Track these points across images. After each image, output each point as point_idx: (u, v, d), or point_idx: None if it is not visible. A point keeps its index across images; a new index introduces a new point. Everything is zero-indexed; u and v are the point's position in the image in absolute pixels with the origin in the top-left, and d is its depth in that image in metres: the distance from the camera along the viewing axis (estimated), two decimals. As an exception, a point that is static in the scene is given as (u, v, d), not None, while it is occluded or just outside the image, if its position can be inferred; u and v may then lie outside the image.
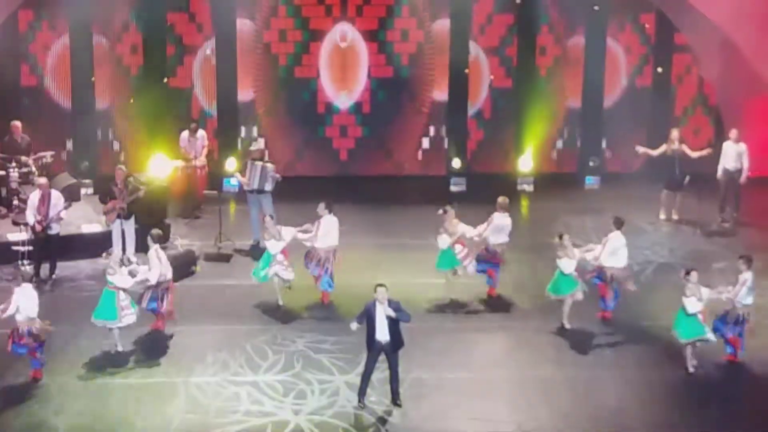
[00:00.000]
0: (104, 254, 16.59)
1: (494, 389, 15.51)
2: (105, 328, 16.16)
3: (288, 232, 18.07)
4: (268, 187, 20.80)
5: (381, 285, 14.70)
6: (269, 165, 20.92)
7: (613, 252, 17.29)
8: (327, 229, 18.11)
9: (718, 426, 14.63)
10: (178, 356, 16.23)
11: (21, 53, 25.29)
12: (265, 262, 18.01)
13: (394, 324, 14.59)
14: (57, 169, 22.83)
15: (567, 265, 17.13)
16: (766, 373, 16.05)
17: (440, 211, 18.43)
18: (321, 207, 18.15)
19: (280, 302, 18.13)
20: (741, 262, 15.99)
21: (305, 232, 18.23)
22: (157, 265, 16.54)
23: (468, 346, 16.78)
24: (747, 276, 15.84)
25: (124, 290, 16.15)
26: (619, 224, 17.39)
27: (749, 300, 15.91)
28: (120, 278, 16.13)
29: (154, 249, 16.63)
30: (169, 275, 16.87)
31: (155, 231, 17.09)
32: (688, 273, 15.85)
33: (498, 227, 18.30)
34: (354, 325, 14.91)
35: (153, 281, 16.53)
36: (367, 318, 14.68)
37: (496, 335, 17.27)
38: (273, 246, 17.92)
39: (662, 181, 22.81)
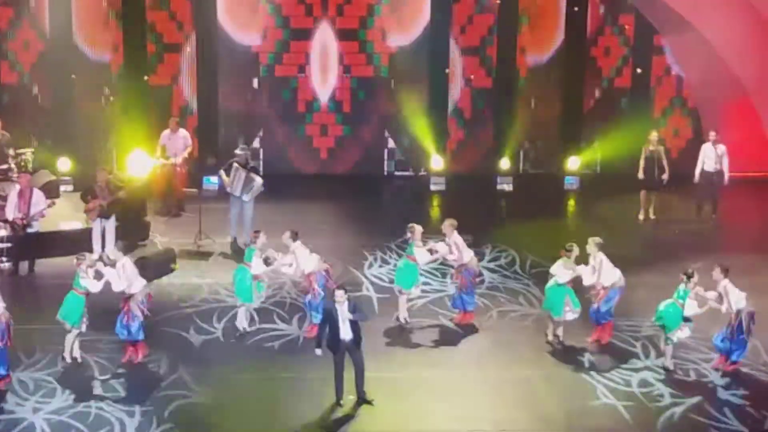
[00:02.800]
0: (76, 258, 15.89)
1: (473, 389, 15.56)
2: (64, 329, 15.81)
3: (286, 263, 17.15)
4: (246, 198, 20.72)
5: (339, 288, 15.05)
6: (258, 181, 20.82)
7: (609, 270, 16.75)
8: (305, 256, 16.98)
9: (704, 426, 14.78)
10: (158, 354, 16.20)
11: (1, 51, 25.22)
12: (247, 283, 17.00)
13: (354, 322, 14.81)
14: (36, 166, 22.76)
15: (563, 274, 16.64)
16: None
17: (408, 234, 17.56)
18: (286, 237, 16.98)
19: (248, 328, 17.26)
20: (718, 270, 15.91)
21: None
22: (126, 277, 15.81)
23: (447, 345, 16.82)
24: (726, 283, 15.88)
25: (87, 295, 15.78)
26: (601, 246, 16.76)
27: (743, 303, 15.94)
28: (91, 283, 15.71)
29: (122, 263, 15.91)
30: (132, 290, 15.96)
31: (122, 243, 16.74)
32: (689, 276, 15.93)
33: (465, 245, 17.66)
34: (319, 351, 15.00)
35: (115, 289, 15.85)
36: (330, 320, 14.82)
37: (474, 335, 17.30)
38: (257, 266, 17.03)
39: (640, 182, 22.87)
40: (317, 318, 16.41)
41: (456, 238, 17.46)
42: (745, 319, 15.85)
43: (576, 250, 16.66)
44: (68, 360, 15.82)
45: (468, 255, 17.51)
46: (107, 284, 15.83)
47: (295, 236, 16.94)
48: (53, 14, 24.59)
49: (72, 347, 15.88)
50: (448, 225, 17.52)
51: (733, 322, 15.86)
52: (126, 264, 15.95)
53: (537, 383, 15.73)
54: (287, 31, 25.64)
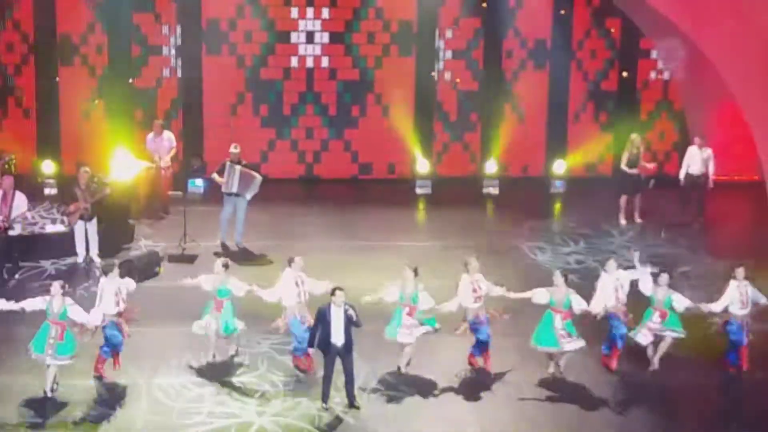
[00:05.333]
0: (58, 284, 15.19)
1: (459, 392, 15.52)
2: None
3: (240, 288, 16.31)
4: (249, 195, 20.70)
5: (339, 288, 14.84)
6: (258, 178, 20.83)
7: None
8: (288, 288, 16.02)
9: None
10: (141, 357, 16.10)
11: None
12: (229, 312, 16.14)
13: (348, 326, 14.69)
14: (21, 169, 22.69)
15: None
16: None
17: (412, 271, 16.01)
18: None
19: (217, 356, 16.31)
20: (741, 270, 15.96)
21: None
22: (107, 301, 15.35)
23: (433, 348, 16.71)
24: (747, 284, 15.95)
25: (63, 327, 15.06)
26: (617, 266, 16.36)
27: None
28: (75, 311, 15.07)
29: (117, 284, 15.47)
30: (112, 311, 15.45)
31: (106, 263, 16.13)
32: (659, 273, 16.06)
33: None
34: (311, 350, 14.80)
35: (91, 326, 15.24)
36: (322, 321, 14.73)
37: (461, 339, 17.20)
38: (238, 288, 16.23)
39: (622, 186, 22.86)
40: (299, 350, 15.94)
41: (479, 276, 16.20)
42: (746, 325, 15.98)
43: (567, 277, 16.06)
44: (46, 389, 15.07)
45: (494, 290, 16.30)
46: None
47: (290, 262, 16.09)
48: (38, 16, 24.49)
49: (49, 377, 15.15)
50: (473, 263, 16.25)
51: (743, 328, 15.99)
52: (121, 286, 15.57)
53: (522, 387, 15.70)
54: (272, 33, 25.57)
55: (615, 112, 26.34)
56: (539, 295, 16.01)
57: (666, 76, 26.13)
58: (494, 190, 25.25)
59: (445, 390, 15.57)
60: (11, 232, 19.07)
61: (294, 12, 25.55)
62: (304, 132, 26.14)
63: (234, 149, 21.20)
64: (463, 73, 26.12)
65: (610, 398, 15.44)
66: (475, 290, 16.04)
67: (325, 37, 25.74)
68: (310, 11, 25.57)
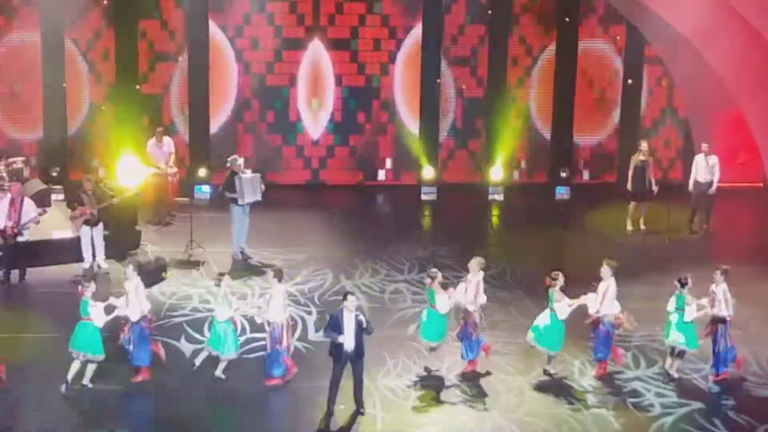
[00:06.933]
0: (80, 287, 15.31)
1: (462, 397, 15.57)
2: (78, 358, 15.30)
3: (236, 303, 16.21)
4: (260, 195, 20.74)
5: (350, 293, 14.84)
6: (258, 175, 20.84)
7: (611, 298, 16.14)
8: (278, 304, 15.59)
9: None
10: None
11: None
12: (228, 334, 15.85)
13: (359, 332, 14.70)
14: (28, 174, 22.76)
15: (561, 310, 15.98)
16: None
17: (427, 280, 16.28)
18: (270, 276, 15.86)
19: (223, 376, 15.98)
20: (719, 273, 15.97)
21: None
22: (135, 300, 15.34)
23: (437, 354, 16.75)
24: (725, 287, 15.90)
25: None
26: (615, 270, 16.20)
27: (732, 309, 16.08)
28: (96, 314, 15.15)
29: (135, 283, 15.42)
30: (146, 310, 15.62)
31: (136, 260, 16.28)
32: (683, 283, 15.99)
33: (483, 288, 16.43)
34: (341, 338, 14.69)
35: (134, 319, 15.36)
36: (335, 327, 14.75)
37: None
38: (222, 313, 15.84)
39: (630, 192, 22.92)
40: (278, 371, 15.70)
41: (479, 277, 16.26)
42: (729, 326, 16.00)
43: (561, 279, 16.02)
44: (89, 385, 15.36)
45: (482, 299, 16.39)
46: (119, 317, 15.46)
47: (280, 276, 15.79)
48: (45, 20, 24.57)
49: (86, 374, 15.36)
50: (476, 263, 16.26)
51: (725, 330, 15.97)
52: (139, 286, 15.54)
53: (527, 392, 15.74)
54: (279, 40, 25.65)
55: (619, 119, 26.41)
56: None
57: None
58: (499, 197, 25.33)
59: (448, 395, 15.62)
60: (20, 239, 19.15)
61: (300, 19, 25.65)
62: (309, 138, 26.23)
63: (230, 162, 21.14)
64: (469, 80, 26.21)
65: (615, 403, 15.49)
66: (465, 289, 16.22)
67: (331, 44, 25.85)
68: (316, 18, 25.67)
